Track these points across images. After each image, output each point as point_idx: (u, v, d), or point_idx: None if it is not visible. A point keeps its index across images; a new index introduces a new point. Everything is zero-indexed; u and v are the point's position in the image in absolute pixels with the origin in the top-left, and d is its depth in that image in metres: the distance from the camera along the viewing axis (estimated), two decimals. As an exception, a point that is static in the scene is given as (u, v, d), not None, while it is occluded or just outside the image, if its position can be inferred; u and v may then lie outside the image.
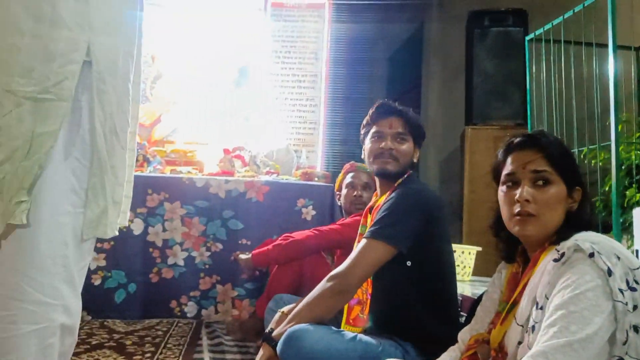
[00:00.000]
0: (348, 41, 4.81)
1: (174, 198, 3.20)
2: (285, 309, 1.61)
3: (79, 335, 2.50)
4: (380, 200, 1.73)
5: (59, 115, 1.15)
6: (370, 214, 1.77)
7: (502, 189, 1.20)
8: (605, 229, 2.48)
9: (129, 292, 3.10)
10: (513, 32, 3.89)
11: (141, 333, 2.76)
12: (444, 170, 5.07)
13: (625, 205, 2.68)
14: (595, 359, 0.94)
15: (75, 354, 2.28)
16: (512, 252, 1.26)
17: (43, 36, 1.15)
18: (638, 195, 2.70)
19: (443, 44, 5.17)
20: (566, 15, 2.77)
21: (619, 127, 2.49)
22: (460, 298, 2.10)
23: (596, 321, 0.93)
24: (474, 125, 3.91)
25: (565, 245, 1.03)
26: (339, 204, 2.85)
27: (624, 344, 0.95)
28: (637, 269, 0.98)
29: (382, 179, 1.79)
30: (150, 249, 3.16)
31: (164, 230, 3.18)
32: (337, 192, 2.85)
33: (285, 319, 1.54)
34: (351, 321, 1.70)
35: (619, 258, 0.98)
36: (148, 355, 2.38)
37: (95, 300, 3.00)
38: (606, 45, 2.48)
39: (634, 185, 2.75)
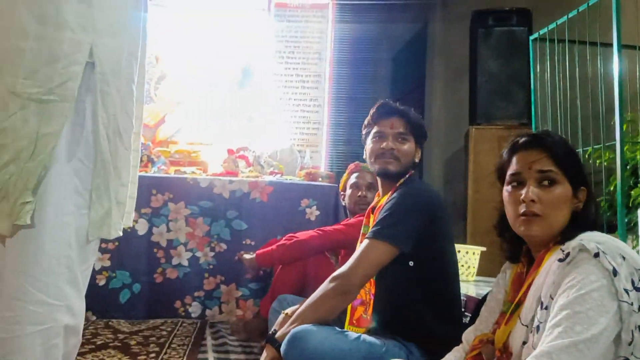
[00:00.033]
0: (352, 41, 4.80)
1: (178, 198, 3.21)
2: (289, 310, 1.61)
3: (83, 335, 2.52)
4: (382, 200, 1.73)
5: (62, 116, 1.16)
6: (372, 214, 1.77)
7: (507, 189, 1.20)
8: (610, 229, 2.47)
9: (133, 292, 3.11)
10: (517, 31, 3.88)
11: (146, 333, 2.77)
12: (448, 170, 5.06)
13: (630, 205, 2.67)
14: None
15: (80, 354, 2.29)
16: (516, 252, 1.25)
17: (47, 38, 1.16)
18: (643, 195, 2.69)
19: (447, 44, 5.16)
20: (570, 15, 2.76)
21: (624, 126, 2.48)
22: (465, 298, 2.10)
23: (601, 321, 0.93)
24: (478, 125, 3.90)
25: (570, 245, 1.03)
26: (344, 204, 2.85)
27: (630, 344, 0.94)
28: (643, 269, 0.98)
29: (384, 179, 1.79)
30: (155, 249, 3.17)
31: (168, 230, 3.19)
32: (342, 192, 2.85)
33: (289, 320, 1.54)
34: (355, 322, 1.70)
35: (624, 258, 0.98)
36: (153, 355, 2.38)
37: (100, 301, 3.01)
38: (611, 45, 2.47)
39: (639, 185, 2.74)
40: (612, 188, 2.70)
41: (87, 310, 2.84)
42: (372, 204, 1.83)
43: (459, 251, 2.67)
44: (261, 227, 3.23)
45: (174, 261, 3.18)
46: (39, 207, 1.15)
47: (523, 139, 1.19)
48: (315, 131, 4.43)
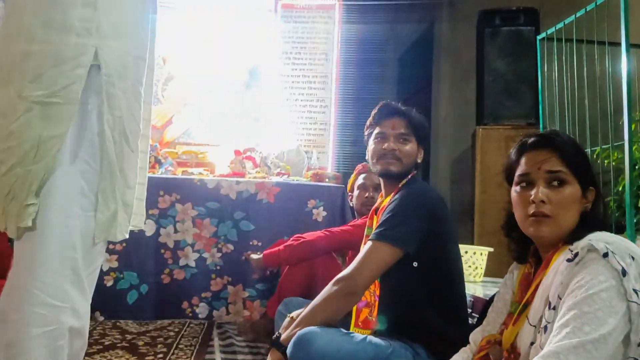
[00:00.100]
0: (358, 42, 4.80)
1: (185, 199, 3.22)
2: (294, 313, 1.61)
3: (92, 336, 2.53)
4: (385, 201, 1.73)
5: (66, 119, 1.16)
6: (375, 215, 1.76)
7: (515, 189, 1.19)
8: (619, 230, 2.45)
9: (141, 293, 3.12)
10: (524, 31, 3.86)
11: (153, 334, 2.78)
12: (455, 171, 5.04)
13: (638, 205, 2.65)
14: None
15: (89, 354, 2.30)
16: (524, 252, 1.25)
17: (52, 42, 1.17)
18: (652, 195, 2.67)
19: (453, 44, 5.15)
20: (578, 14, 2.75)
21: (633, 126, 2.46)
22: (472, 299, 2.09)
23: (610, 322, 0.92)
24: (485, 125, 3.89)
25: (579, 245, 1.02)
26: (351, 204, 2.85)
27: (639, 345, 0.94)
28: (652, 269, 0.97)
29: (386, 180, 1.79)
30: (162, 250, 3.18)
31: (176, 231, 3.20)
32: (349, 193, 2.85)
33: (293, 323, 1.54)
34: (360, 324, 1.70)
35: (633, 258, 0.97)
36: (160, 355, 2.39)
37: (108, 301, 3.03)
38: (619, 44, 2.45)
39: (647, 185, 2.72)
40: (620, 188, 2.69)
41: (95, 310, 2.86)
42: (375, 205, 1.83)
43: (466, 252, 2.66)
44: (268, 228, 3.24)
45: (181, 262, 3.19)
46: (44, 209, 1.16)
47: (532, 139, 1.19)
48: (322, 132, 4.43)
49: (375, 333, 1.64)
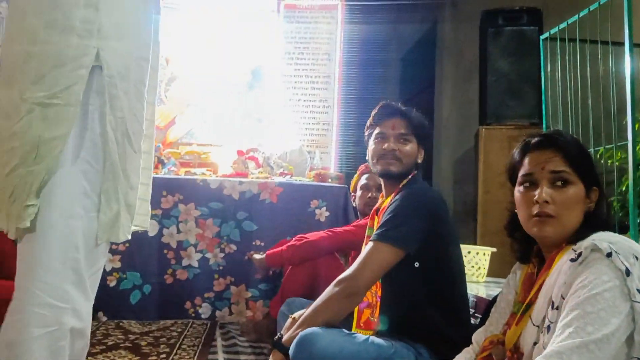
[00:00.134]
0: (361, 42, 4.79)
1: (188, 199, 3.22)
2: (297, 314, 1.61)
3: (94, 336, 2.54)
4: (386, 201, 1.73)
5: (67, 120, 1.17)
6: (376, 215, 1.76)
7: (519, 189, 1.19)
8: (622, 230, 2.45)
9: (144, 293, 3.12)
10: (527, 31, 3.86)
11: (156, 334, 2.78)
12: (457, 171, 5.04)
13: (642, 205, 2.65)
14: None
15: (92, 355, 2.31)
16: (527, 252, 1.25)
17: (54, 43, 1.17)
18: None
19: (456, 44, 5.14)
20: (581, 14, 2.74)
21: (636, 126, 2.45)
22: (475, 299, 2.09)
23: (613, 322, 0.92)
24: (488, 125, 3.88)
25: (583, 245, 1.02)
26: (354, 205, 2.85)
27: (643, 345, 0.94)
28: (656, 269, 0.97)
29: (387, 180, 1.79)
30: (165, 251, 3.18)
31: (179, 231, 3.20)
32: (353, 194, 2.85)
33: (295, 324, 1.54)
34: (362, 325, 1.69)
35: (637, 258, 0.97)
36: (163, 356, 2.39)
37: (111, 302, 3.03)
38: (622, 44, 2.45)
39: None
40: (624, 188, 2.68)
41: (98, 311, 2.86)
42: (376, 206, 1.82)
43: (469, 252, 2.66)
44: (271, 228, 3.24)
45: (184, 262, 3.20)
46: (46, 210, 1.16)
47: (535, 139, 1.18)
48: (325, 132, 4.43)
49: (377, 334, 1.64)
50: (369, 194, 2.65)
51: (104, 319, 3.01)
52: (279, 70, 4.47)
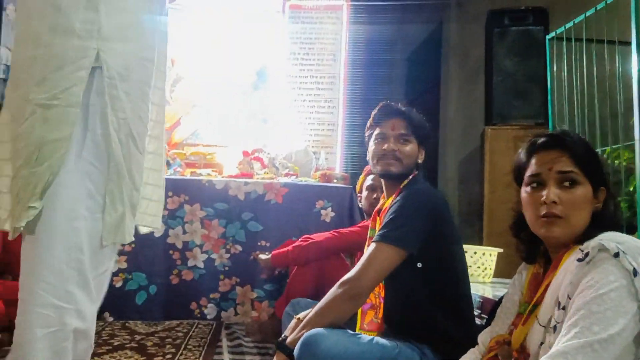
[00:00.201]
0: (366, 42, 4.79)
1: (193, 200, 3.23)
2: (301, 315, 1.61)
3: (100, 336, 2.54)
4: (387, 202, 1.72)
5: (68, 122, 1.17)
6: (378, 216, 1.76)
7: (525, 189, 1.18)
8: (630, 230, 2.43)
9: (149, 293, 3.13)
10: (533, 31, 3.84)
11: (162, 334, 2.79)
12: (463, 171, 5.02)
13: (650, 205, 2.63)
14: None
15: (98, 355, 2.31)
16: (533, 253, 1.24)
17: (55, 45, 1.18)
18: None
19: (462, 44, 5.13)
20: (588, 13, 2.73)
21: (643, 125, 2.44)
22: (481, 300, 2.08)
23: (620, 322, 0.91)
24: (493, 125, 3.87)
25: (590, 244, 1.01)
26: (360, 205, 2.84)
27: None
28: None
29: (388, 181, 1.78)
30: (171, 251, 3.19)
31: (184, 232, 3.21)
32: (359, 194, 2.85)
33: (299, 326, 1.54)
34: (365, 326, 1.69)
35: (644, 258, 0.96)
36: (169, 356, 2.39)
37: (117, 302, 3.04)
38: (629, 43, 2.43)
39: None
40: (631, 188, 2.66)
41: (104, 311, 2.87)
42: (378, 207, 1.82)
43: (475, 252, 2.65)
44: (276, 229, 3.24)
45: (190, 263, 3.20)
46: (50, 211, 1.16)
47: (542, 140, 1.17)
48: (330, 132, 4.42)
49: (382, 334, 1.64)
50: (374, 195, 2.65)
51: (110, 319, 3.02)
52: (284, 71, 4.47)
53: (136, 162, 1.30)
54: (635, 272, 0.94)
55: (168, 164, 3.54)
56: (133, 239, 1.32)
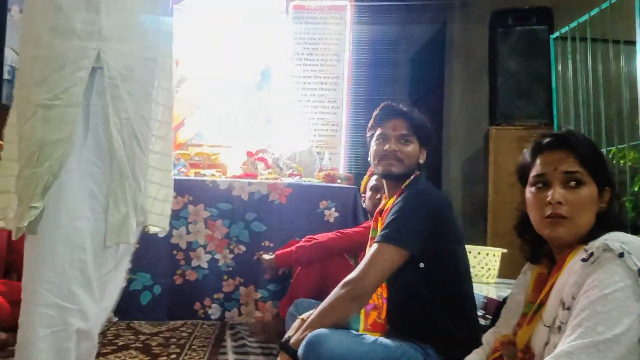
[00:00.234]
0: (370, 43, 4.78)
1: (197, 201, 3.23)
2: (305, 315, 1.61)
3: (105, 336, 2.55)
4: (389, 203, 1.72)
5: (69, 122, 1.17)
6: (380, 217, 1.76)
7: (530, 190, 1.17)
8: (635, 231, 2.42)
9: (154, 294, 3.14)
10: (538, 30, 3.83)
11: (166, 334, 2.79)
12: (467, 171, 5.01)
13: (655, 205, 2.62)
14: None
15: (103, 355, 2.32)
16: (537, 253, 1.23)
17: (56, 46, 1.18)
18: (669, 195, 2.63)
19: (466, 44, 5.12)
20: (592, 13, 2.72)
21: (649, 125, 2.44)
22: (485, 301, 2.08)
23: (624, 322, 0.91)
24: (497, 126, 3.87)
25: (594, 245, 1.01)
26: (364, 206, 2.84)
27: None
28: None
29: (389, 182, 1.78)
30: (175, 252, 3.20)
31: (188, 232, 3.21)
32: (363, 195, 2.85)
33: (302, 327, 1.54)
34: (369, 327, 1.69)
35: (649, 259, 0.96)
36: (173, 356, 2.40)
37: (122, 302, 2.99)
38: (634, 43, 2.43)
39: (664, 185, 2.68)
40: (636, 189, 2.65)
41: (108, 311, 2.81)
42: (380, 207, 1.82)
43: (479, 253, 2.64)
44: (280, 229, 3.24)
45: (194, 263, 3.21)
46: (52, 211, 1.17)
47: (547, 140, 1.17)
48: (334, 133, 4.42)
49: (385, 334, 1.64)
50: (378, 195, 2.64)
51: (115, 319, 3.03)
52: (287, 71, 4.47)
53: (139, 162, 1.30)
54: (640, 273, 0.93)
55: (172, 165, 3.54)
56: (135, 240, 1.33)
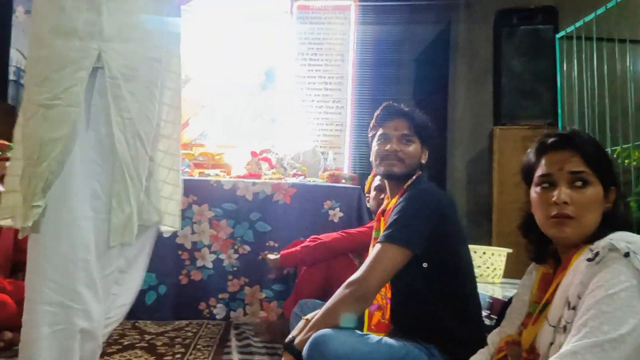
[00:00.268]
0: (374, 43, 4.78)
1: (202, 201, 3.24)
2: (309, 315, 1.61)
3: (110, 336, 2.55)
4: (391, 203, 1.72)
5: (68, 121, 1.18)
6: (382, 217, 1.76)
7: (536, 190, 1.17)
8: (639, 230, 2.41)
9: (159, 293, 3.14)
10: (543, 30, 3.82)
11: (171, 334, 2.80)
12: (471, 171, 5.00)
13: (660, 205, 2.61)
14: None
15: (108, 354, 2.33)
16: (542, 253, 1.23)
17: (57, 46, 1.19)
18: (674, 195, 2.62)
19: (470, 44, 5.10)
20: (598, 12, 2.71)
21: (654, 125, 2.43)
22: (491, 300, 2.07)
23: (630, 322, 0.90)
24: (502, 125, 3.86)
25: (600, 244, 1.00)
26: (368, 206, 2.84)
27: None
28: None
29: (391, 182, 1.78)
30: (179, 252, 3.20)
31: (193, 232, 3.22)
32: (367, 195, 2.85)
33: (306, 327, 1.54)
34: (373, 327, 1.69)
35: (655, 259, 0.95)
36: (178, 356, 2.40)
37: (126, 302, 3.05)
38: (639, 42, 2.42)
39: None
40: (641, 188, 2.64)
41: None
42: (382, 207, 1.82)
43: (484, 253, 2.64)
44: (284, 229, 3.24)
45: (199, 263, 3.21)
46: (55, 210, 1.17)
47: (552, 139, 1.16)
48: (338, 133, 4.42)
49: (390, 334, 1.64)
50: (382, 195, 2.64)
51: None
52: (292, 71, 4.47)
53: (143, 162, 1.30)
54: (645, 272, 0.93)
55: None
56: (153, 240, 1.33)
